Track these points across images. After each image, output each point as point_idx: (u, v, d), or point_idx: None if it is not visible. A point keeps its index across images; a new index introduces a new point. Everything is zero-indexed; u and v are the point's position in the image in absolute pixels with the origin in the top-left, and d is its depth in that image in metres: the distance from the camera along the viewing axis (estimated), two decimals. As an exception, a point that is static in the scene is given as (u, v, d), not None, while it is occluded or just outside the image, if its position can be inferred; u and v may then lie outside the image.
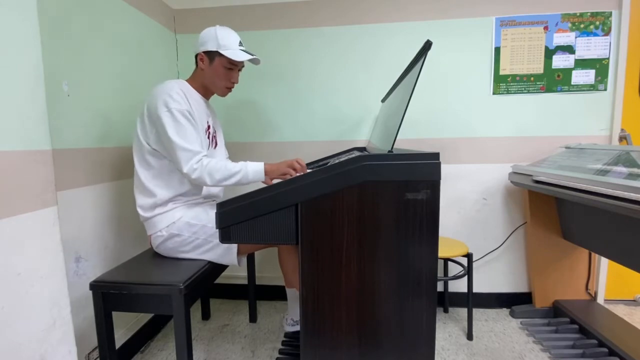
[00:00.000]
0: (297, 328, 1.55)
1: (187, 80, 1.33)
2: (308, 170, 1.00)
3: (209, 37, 1.28)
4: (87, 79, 1.28)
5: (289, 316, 1.57)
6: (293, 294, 1.54)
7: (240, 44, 1.31)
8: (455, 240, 1.72)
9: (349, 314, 0.91)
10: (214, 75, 1.31)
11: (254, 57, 1.31)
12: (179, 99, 1.19)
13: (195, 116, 1.24)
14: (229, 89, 1.37)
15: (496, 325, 1.72)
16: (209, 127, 1.37)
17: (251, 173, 1.20)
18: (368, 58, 1.82)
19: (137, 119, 1.24)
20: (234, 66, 1.32)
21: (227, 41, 1.27)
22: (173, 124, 1.16)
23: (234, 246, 1.24)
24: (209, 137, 1.36)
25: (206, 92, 1.38)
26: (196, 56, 1.31)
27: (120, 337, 1.42)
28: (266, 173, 1.22)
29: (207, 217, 1.26)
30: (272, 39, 1.86)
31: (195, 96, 1.32)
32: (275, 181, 1.17)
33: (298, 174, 1.16)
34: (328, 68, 1.85)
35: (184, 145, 1.16)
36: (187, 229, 1.24)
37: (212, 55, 1.28)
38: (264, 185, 0.94)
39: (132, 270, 1.18)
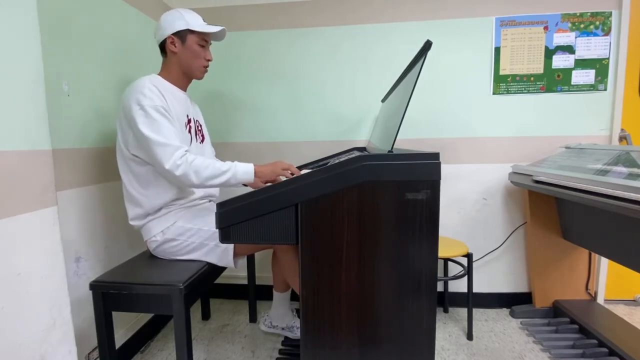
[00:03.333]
0: (273, 331, 1.60)
1: (159, 74, 1.27)
2: (303, 172, 0.99)
3: (174, 18, 1.22)
4: (87, 79, 1.28)
5: (269, 318, 1.61)
6: (282, 297, 1.58)
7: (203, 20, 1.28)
8: (455, 240, 1.72)
9: (349, 314, 0.91)
10: (190, 55, 1.25)
11: (222, 27, 1.28)
12: (151, 95, 1.12)
13: (172, 112, 1.18)
14: (206, 68, 1.31)
15: (496, 325, 1.72)
16: (189, 120, 1.30)
17: (240, 173, 1.14)
18: (368, 58, 1.82)
19: (117, 124, 1.19)
20: (206, 42, 1.28)
21: (193, 17, 1.24)
22: (146, 121, 1.09)
23: (230, 249, 1.21)
24: (190, 132, 1.29)
25: (183, 81, 1.31)
26: (163, 43, 1.24)
27: (120, 337, 1.42)
28: (256, 175, 1.16)
29: (203, 219, 1.22)
30: (273, 39, 1.86)
31: (171, 90, 1.25)
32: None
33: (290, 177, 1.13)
34: (328, 68, 1.84)
35: (161, 141, 1.08)
36: (182, 233, 1.21)
37: (182, 35, 1.23)
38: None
39: (132, 271, 1.18)
